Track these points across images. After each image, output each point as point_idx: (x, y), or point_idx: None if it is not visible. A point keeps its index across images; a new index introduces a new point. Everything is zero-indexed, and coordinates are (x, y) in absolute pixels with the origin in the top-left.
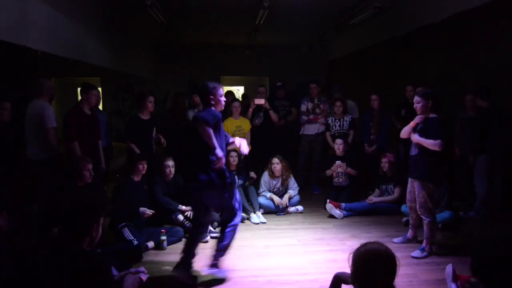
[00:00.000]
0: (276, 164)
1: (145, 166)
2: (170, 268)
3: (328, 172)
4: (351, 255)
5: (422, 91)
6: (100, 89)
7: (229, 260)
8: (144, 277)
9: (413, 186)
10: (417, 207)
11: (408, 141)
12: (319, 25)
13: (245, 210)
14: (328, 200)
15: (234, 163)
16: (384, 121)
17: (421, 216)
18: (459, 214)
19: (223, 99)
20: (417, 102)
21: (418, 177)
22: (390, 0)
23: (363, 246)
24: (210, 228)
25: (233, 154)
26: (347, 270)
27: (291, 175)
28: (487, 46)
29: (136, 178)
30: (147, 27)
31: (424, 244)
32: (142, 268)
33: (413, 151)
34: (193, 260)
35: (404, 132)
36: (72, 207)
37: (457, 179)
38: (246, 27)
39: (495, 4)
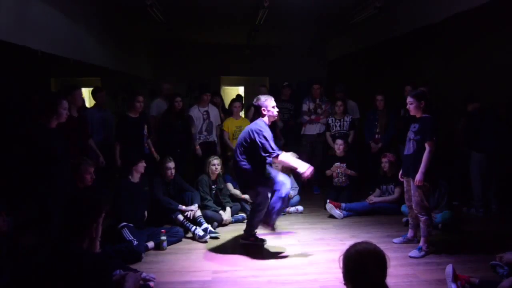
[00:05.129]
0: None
1: (145, 165)
2: (170, 268)
3: (328, 172)
4: (341, 256)
5: (415, 92)
6: None
7: (229, 260)
8: (152, 284)
9: (409, 185)
10: (413, 205)
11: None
12: (319, 25)
13: (244, 210)
14: (328, 200)
15: None
16: (391, 121)
17: (417, 215)
18: (459, 214)
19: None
20: (410, 103)
21: (414, 176)
22: (390, 0)
23: (353, 247)
24: (210, 228)
25: None
26: None
27: (291, 175)
28: (487, 46)
29: (134, 179)
30: (147, 27)
31: (421, 243)
32: (152, 276)
33: (408, 150)
34: None
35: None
36: (71, 208)
37: (457, 178)
38: (246, 27)
39: (495, 4)
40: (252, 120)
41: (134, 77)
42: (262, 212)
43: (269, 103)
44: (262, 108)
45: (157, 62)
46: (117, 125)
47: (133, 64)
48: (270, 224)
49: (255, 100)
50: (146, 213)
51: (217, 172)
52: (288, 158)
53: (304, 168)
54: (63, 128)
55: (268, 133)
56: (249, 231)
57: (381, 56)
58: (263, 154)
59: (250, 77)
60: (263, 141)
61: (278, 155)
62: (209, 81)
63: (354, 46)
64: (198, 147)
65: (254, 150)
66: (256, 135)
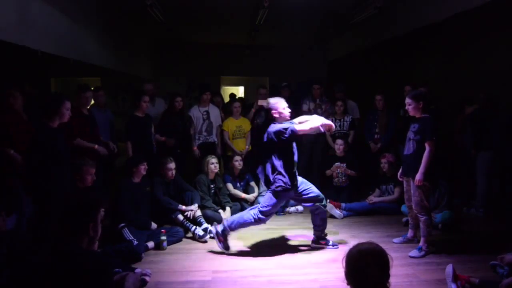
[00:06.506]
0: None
1: (146, 167)
2: (170, 268)
3: (328, 172)
4: (344, 257)
5: (413, 93)
6: None
7: (229, 260)
8: (148, 279)
9: (409, 185)
10: (413, 205)
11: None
12: (319, 25)
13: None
14: (328, 200)
15: (239, 167)
16: (391, 121)
17: (417, 215)
18: (459, 214)
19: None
20: (408, 104)
21: (414, 176)
22: (390, 0)
23: (355, 247)
24: (210, 228)
25: (238, 158)
26: None
27: None
28: (487, 46)
29: (136, 180)
30: (147, 27)
31: (421, 243)
32: (147, 271)
33: (408, 150)
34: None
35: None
36: (68, 207)
37: (458, 177)
38: (246, 27)
39: (495, 4)
40: (253, 120)
41: (134, 77)
42: (319, 211)
43: (279, 105)
44: (273, 111)
45: (157, 62)
46: (127, 125)
47: (133, 64)
48: (223, 235)
49: (265, 103)
50: (155, 224)
51: (216, 171)
52: (306, 124)
53: (323, 121)
54: (73, 126)
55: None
56: (318, 234)
57: (381, 56)
58: (287, 138)
59: (250, 77)
60: (277, 128)
61: (295, 129)
62: (209, 81)
63: (354, 46)
64: (195, 148)
65: (280, 154)
66: (270, 134)
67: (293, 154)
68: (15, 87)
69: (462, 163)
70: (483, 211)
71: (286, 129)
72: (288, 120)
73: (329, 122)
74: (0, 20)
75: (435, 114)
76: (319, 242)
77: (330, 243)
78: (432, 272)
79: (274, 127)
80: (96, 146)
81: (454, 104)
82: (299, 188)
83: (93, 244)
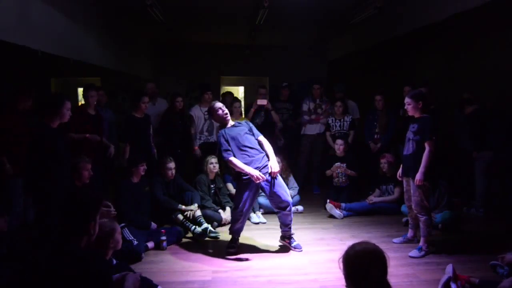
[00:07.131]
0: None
1: (145, 168)
2: (170, 268)
3: (328, 172)
4: (341, 258)
5: (413, 93)
6: None
7: (229, 260)
8: None
9: (409, 185)
10: (413, 205)
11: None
12: (319, 25)
13: None
14: (328, 200)
15: None
16: (391, 121)
17: (417, 215)
18: (459, 213)
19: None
20: (408, 104)
21: (414, 176)
22: (390, 0)
23: (351, 248)
24: (210, 228)
25: None
26: None
27: (291, 175)
28: (487, 46)
29: (135, 180)
30: (147, 27)
31: (421, 243)
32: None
33: (407, 150)
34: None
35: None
36: (68, 207)
37: (458, 177)
38: (246, 27)
39: (495, 4)
40: (252, 120)
41: (134, 77)
42: (284, 212)
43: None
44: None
45: (157, 62)
46: (125, 126)
47: (133, 64)
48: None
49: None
50: (155, 224)
51: (215, 171)
52: (238, 162)
53: (254, 173)
54: (70, 124)
55: (221, 139)
56: (283, 233)
57: (381, 56)
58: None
59: (250, 77)
60: (218, 141)
61: (227, 159)
62: (209, 81)
63: (354, 46)
64: (196, 148)
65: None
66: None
67: (242, 155)
68: (26, 88)
69: (462, 163)
70: (483, 211)
71: (221, 149)
72: (224, 120)
73: (260, 177)
74: (0, 20)
75: (435, 114)
76: (284, 239)
77: (293, 244)
78: (432, 272)
79: (219, 136)
80: (87, 135)
81: (454, 104)
82: (267, 191)
83: (92, 243)
